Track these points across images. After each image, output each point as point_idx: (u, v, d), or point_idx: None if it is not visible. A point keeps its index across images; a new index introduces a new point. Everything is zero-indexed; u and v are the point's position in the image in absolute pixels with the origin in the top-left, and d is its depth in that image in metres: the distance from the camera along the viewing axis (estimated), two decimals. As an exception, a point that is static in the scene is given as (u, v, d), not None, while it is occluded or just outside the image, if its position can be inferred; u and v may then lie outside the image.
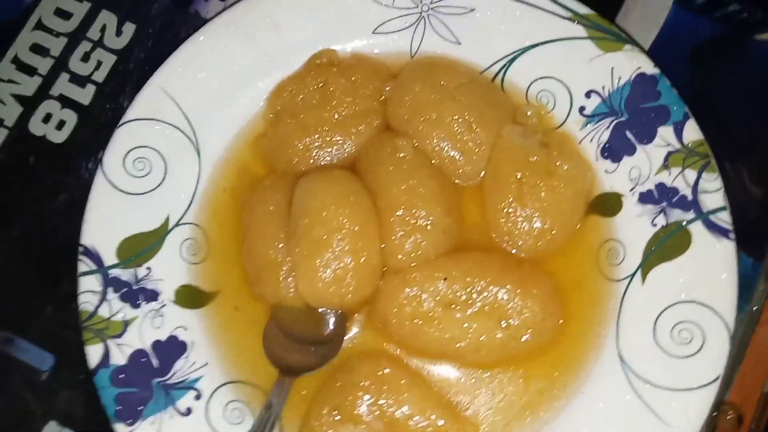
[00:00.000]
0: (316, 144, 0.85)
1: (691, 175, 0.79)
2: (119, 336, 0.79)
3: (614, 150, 0.83)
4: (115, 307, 0.80)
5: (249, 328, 0.83)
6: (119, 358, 0.79)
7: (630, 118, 0.82)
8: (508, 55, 0.87)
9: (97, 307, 0.80)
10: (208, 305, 0.84)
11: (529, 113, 0.85)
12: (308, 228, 0.79)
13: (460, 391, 0.80)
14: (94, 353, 0.79)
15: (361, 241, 0.79)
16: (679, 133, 0.80)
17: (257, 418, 0.77)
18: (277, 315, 0.82)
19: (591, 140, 0.84)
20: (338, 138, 0.85)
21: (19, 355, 0.88)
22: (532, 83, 0.86)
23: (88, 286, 0.80)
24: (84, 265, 0.80)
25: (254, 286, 0.83)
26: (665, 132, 0.81)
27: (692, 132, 0.80)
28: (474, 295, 0.78)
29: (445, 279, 0.79)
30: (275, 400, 0.77)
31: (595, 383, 0.78)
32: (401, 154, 0.82)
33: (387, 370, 0.79)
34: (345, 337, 0.82)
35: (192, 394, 0.79)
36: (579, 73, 0.84)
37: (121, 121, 0.84)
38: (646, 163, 0.81)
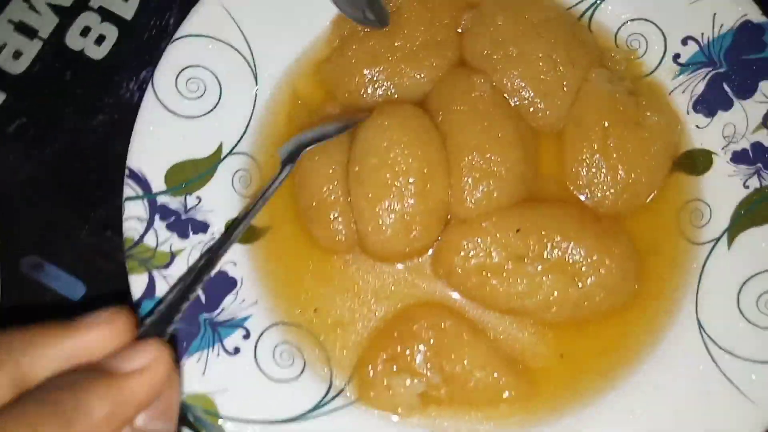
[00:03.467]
0: (384, 75, 0.79)
1: (791, 135, 0.74)
2: (166, 267, 0.74)
3: (708, 103, 0.77)
4: (162, 237, 0.74)
5: (300, 267, 0.78)
6: (165, 290, 0.73)
7: (729, 70, 0.76)
8: (599, -9, 0.80)
9: (143, 235, 0.74)
10: (259, 241, 0.78)
11: (617, 57, 0.79)
12: (374, 169, 0.73)
13: (524, 347, 0.75)
14: (138, 283, 0.73)
15: (430, 185, 0.74)
16: (783, 89, 0.75)
17: (252, 201, 0.71)
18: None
19: (683, 91, 0.78)
20: (409, 70, 0.79)
21: (48, 282, 0.82)
22: (622, 25, 0.80)
23: (134, 212, 0.74)
24: (130, 189, 0.75)
25: (303, 221, 0.78)
26: (767, 87, 0.75)
27: (797, 89, 0.74)
28: (547, 250, 0.73)
29: (517, 230, 0.73)
30: (272, 187, 0.72)
31: (670, 349, 0.73)
32: (478, 93, 0.76)
33: (448, 323, 0.74)
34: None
35: (240, 333, 0.74)
36: (676, 17, 0.78)
37: (175, 36, 0.77)
38: (743, 120, 0.75)
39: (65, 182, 0.85)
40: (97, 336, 0.50)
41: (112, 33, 0.90)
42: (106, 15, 0.90)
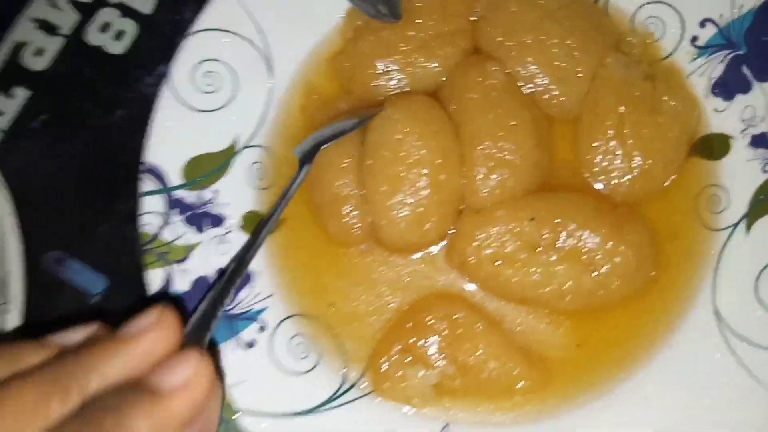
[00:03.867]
0: (398, 66, 0.78)
1: (813, 119, 0.72)
2: (182, 261, 0.75)
3: (727, 87, 0.75)
4: (178, 231, 0.76)
5: (315, 260, 0.79)
6: (182, 284, 0.75)
7: (749, 52, 0.74)
8: (615, -25, 0.78)
9: (160, 229, 0.75)
10: (274, 234, 0.79)
11: (633, 41, 0.77)
12: (387, 162, 0.73)
13: (540, 338, 0.75)
14: (155, 278, 0.74)
15: (443, 175, 0.73)
16: (804, 71, 0.73)
17: (274, 207, 0.72)
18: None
19: (701, 75, 0.76)
20: (423, 60, 0.78)
21: (71, 277, 0.83)
22: (639, 8, 0.78)
23: (151, 206, 0.75)
24: (146, 184, 0.76)
25: (317, 215, 0.78)
26: (788, 69, 0.73)
27: (819, 71, 0.72)
28: (562, 238, 0.72)
29: (531, 219, 0.73)
30: (292, 188, 0.73)
31: (687, 337, 0.73)
32: (491, 81, 0.76)
33: (462, 314, 0.74)
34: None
35: (256, 325, 0.75)
36: (694, -1, 0.76)
37: (190, 31, 0.78)
38: (762, 103, 0.74)
39: (87, 177, 0.87)
40: (148, 342, 0.50)
41: (131, 28, 0.90)
42: (125, 10, 0.90)
